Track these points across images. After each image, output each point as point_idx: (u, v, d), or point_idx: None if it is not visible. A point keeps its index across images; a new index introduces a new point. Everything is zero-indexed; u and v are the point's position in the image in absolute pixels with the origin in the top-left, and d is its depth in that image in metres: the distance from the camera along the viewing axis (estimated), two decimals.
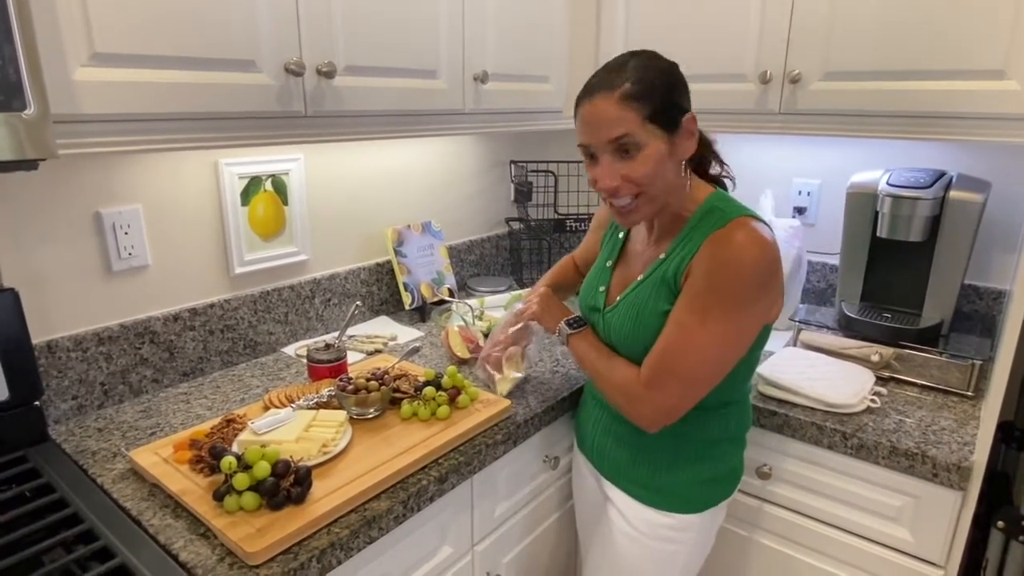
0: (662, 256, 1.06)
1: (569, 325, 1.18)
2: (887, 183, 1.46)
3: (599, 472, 1.22)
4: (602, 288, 1.17)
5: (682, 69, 1.03)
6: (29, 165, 0.80)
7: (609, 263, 1.19)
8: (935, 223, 1.44)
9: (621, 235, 1.21)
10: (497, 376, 1.29)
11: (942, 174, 1.45)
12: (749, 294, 0.96)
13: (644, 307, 1.05)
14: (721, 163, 1.13)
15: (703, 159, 1.10)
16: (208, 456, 0.98)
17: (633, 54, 1.01)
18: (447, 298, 1.82)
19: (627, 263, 1.16)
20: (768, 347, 1.57)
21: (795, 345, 1.55)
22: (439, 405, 1.18)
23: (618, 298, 1.12)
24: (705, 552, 1.19)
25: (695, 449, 1.10)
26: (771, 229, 1.00)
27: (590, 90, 1.00)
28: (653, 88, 0.96)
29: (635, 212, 1.03)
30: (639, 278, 1.09)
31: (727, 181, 1.15)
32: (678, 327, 0.99)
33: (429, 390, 1.20)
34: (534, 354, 1.36)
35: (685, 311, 0.99)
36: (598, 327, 1.16)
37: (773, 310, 1.02)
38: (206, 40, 1.00)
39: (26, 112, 0.76)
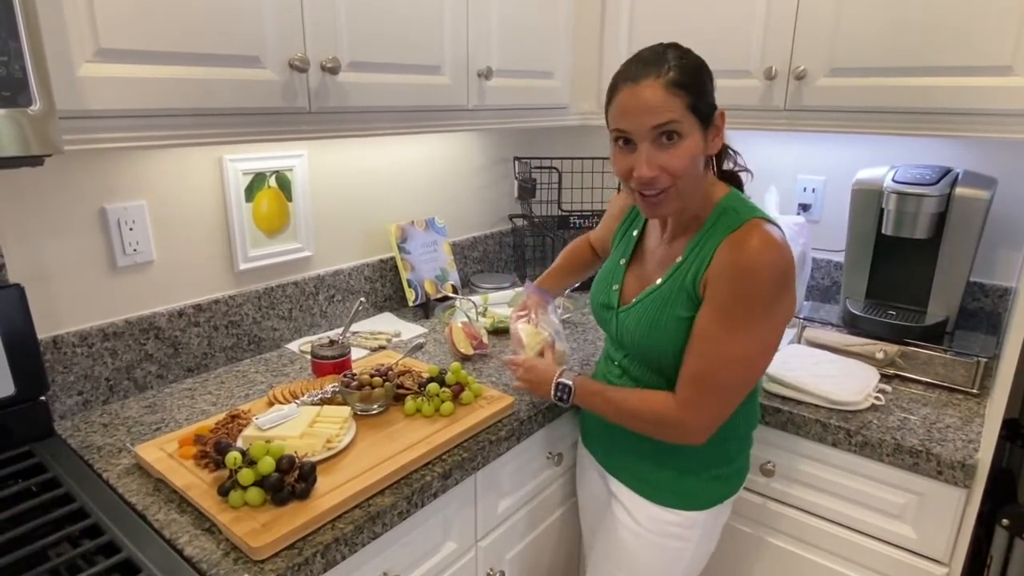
0: (679, 260, 1.04)
1: (560, 399, 1.16)
2: (892, 180, 1.45)
3: (604, 468, 1.22)
4: (615, 287, 1.16)
5: None
6: (34, 161, 0.80)
7: (623, 261, 1.18)
8: (941, 220, 1.43)
9: (635, 232, 1.19)
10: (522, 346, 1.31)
11: (948, 171, 1.44)
12: (771, 298, 0.95)
13: (662, 313, 1.04)
14: (734, 159, 1.11)
15: (719, 156, 1.09)
16: (213, 451, 0.98)
17: (668, 46, 0.99)
18: (451, 294, 1.82)
19: (641, 262, 1.15)
20: None
21: (799, 342, 1.55)
22: (443, 401, 1.18)
23: (634, 300, 1.10)
24: (710, 549, 1.19)
25: (701, 447, 1.09)
26: (782, 230, 1.00)
27: (633, 75, 0.95)
28: (694, 78, 0.95)
29: (663, 204, 1.00)
30: (657, 282, 1.07)
31: (744, 175, 1.12)
32: (708, 342, 0.98)
33: (433, 386, 1.20)
34: (556, 320, 1.37)
35: (713, 325, 0.97)
36: (610, 325, 1.16)
37: (792, 308, 1.02)
38: (211, 36, 1.00)
39: (31, 108, 0.76)
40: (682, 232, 1.07)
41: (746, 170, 1.13)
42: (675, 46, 0.99)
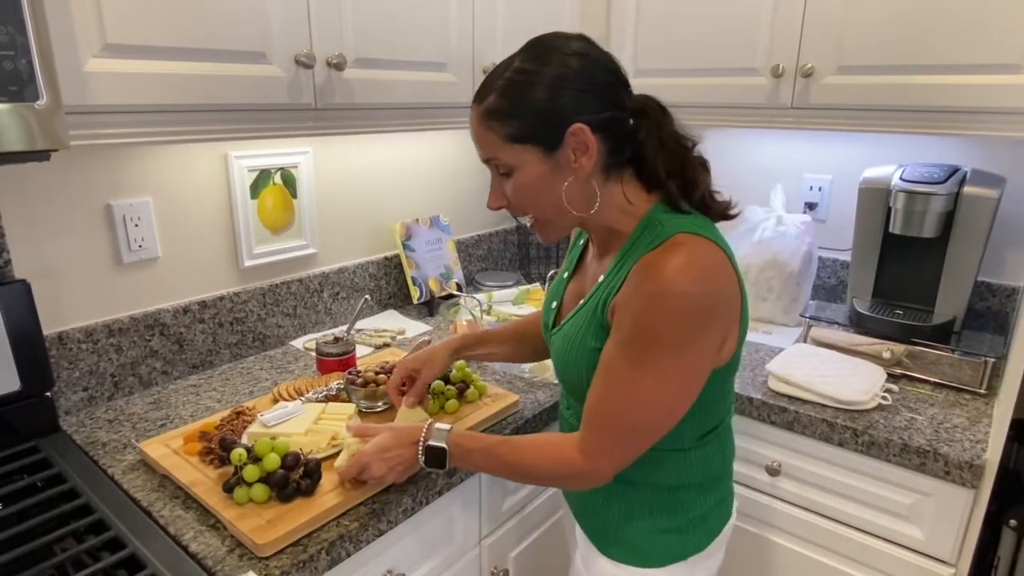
0: (601, 279, 0.89)
1: (432, 464, 0.92)
2: (900, 178, 1.45)
3: (569, 506, 1.08)
4: (554, 304, 1.02)
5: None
6: (41, 156, 0.80)
7: (566, 274, 1.04)
8: (948, 219, 1.42)
9: (581, 243, 1.04)
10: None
11: (956, 169, 1.44)
12: (687, 333, 0.79)
13: (577, 339, 0.90)
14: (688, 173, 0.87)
15: (654, 165, 0.87)
16: (218, 448, 0.98)
17: (532, 46, 0.84)
18: (455, 292, 1.82)
19: (582, 276, 1.00)
20: (778, 344, 1.57)
21: (805, 342, 1.54)
22: (447, 399, 1.18)
23: (563, 320, 0.96)
24: None
25: (648, 497, 0.93)
26: (721, 244, 0.83)
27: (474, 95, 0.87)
28: (520, 102, 0.81)
29: (543, 232, 0.91)
30: (581, 302, 0.92)
31: (721, 195, 0.90)
32: (613, 380, 0.83)
33: (438, 384, 1.19)
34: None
35: (618, 360, 0.82)
36: (552, 349, 1.00)
37: (724, 348, 0.84)
38: (217, 32, 1.00)
39: (38, 103, 0.76)
40: (609, 247, 0.91)
41: (710, 196, 0.89)
42: (536, 48, 0.83)
